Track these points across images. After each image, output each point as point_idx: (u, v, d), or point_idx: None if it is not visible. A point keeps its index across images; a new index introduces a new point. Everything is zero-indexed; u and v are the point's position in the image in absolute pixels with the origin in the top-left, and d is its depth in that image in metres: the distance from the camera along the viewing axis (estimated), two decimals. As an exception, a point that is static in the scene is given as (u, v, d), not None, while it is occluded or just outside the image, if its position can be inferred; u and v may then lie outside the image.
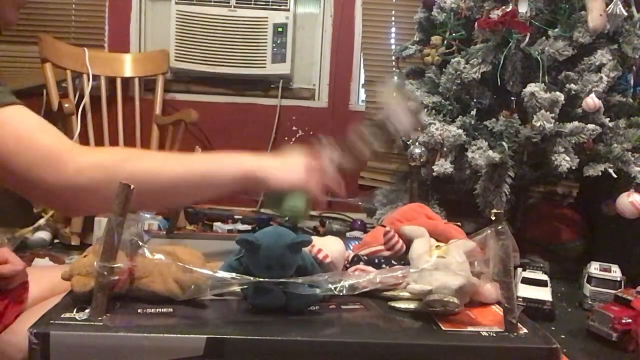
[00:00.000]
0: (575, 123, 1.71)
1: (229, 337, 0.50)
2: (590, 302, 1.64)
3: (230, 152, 0.78)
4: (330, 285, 0.56)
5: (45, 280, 0.85)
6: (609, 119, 1.79)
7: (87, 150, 0.70)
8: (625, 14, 1.77)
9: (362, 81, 2.86)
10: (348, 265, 0.70)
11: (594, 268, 1.70)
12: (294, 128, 2.85)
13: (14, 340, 0.73)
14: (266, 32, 2.65)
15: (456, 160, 1.83)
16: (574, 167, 1.69)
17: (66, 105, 2.09)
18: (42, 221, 2.16)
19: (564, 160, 1.67)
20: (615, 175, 1.70)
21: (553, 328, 1.50)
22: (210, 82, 2.78)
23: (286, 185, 0.77)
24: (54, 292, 0.82)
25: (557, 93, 1.70)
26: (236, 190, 0.77)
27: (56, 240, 2.21)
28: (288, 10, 2.67)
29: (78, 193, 0.66)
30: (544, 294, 1.53)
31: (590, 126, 1.71)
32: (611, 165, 1.71)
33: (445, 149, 1.82)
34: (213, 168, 0.75)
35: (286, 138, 2.83)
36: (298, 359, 0.51)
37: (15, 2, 0.77)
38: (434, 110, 1.92)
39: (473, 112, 1.86)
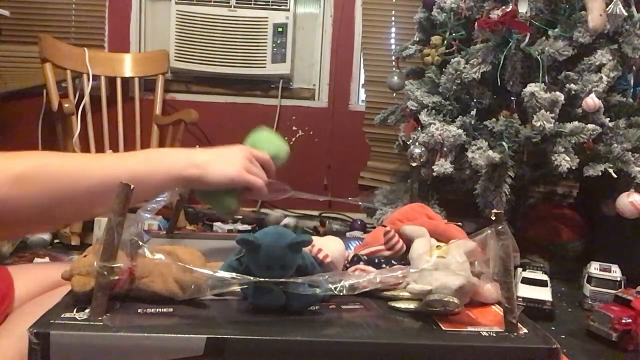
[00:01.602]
0: (575, 123, 1.71)
1: (229, 337, 0.50)
2: (590, 302, 1.64)
3: (161, 149, 0.75)
4: (330, 285, 0.56)
5: (32, 277, 0.84)
6: (609, 119, 1.79)
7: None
8: (625, 14, 1.77)
9: (362, 81, 2.86)
10: (348, 265, 0.70)
11: (594, 268, 1.70)
12: (294, 128, 2.85)
13: (7, 340, 0.73)
14: (266, 32, 2.66)
15: (456, 160, 1.83)
16: (574, 167, 1.69)
17: (66, 105, 2.09)
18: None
19: (564, 160, 1.67)
20: (615, 175, 1.70)
21: (553, 328, 1.50)
22: (210, 82, 2.78)
23: (223, 180, 0.73)
24: (43, 290, 0.81)
25: (557, 93, 1.70)
26: (171, 189, 0.74)
27: (56, 240, 2.21)
28: (288, 10, 2.68)
29: None
30: (544, 294, 1.53)
31: (590, 126, 1.71)
32: (611, 165, 1.71)
33: (445, 149, 1.82)
34: (141, 170, 0.70)
35: (286, 138, 2.81)
36: (298, 359, 0.51)
37: None
38: (434, 110, 1.92)
39: (473, 112, 1.86)
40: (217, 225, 2.50)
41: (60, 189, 0.63)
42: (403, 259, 0.71)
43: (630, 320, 1.37)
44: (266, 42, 2.66)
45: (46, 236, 2.17)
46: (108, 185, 0.62)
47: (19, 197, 0.60)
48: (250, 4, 2.67)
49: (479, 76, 1.84)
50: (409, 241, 0.72)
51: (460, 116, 1.87)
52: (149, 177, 0.70)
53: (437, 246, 0.68)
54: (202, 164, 0.73)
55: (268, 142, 0.88)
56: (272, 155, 0.85)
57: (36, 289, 0.81)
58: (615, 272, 1.67)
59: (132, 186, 0.53)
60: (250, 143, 0.87)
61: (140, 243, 0.59)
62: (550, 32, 1.82)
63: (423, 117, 1.90)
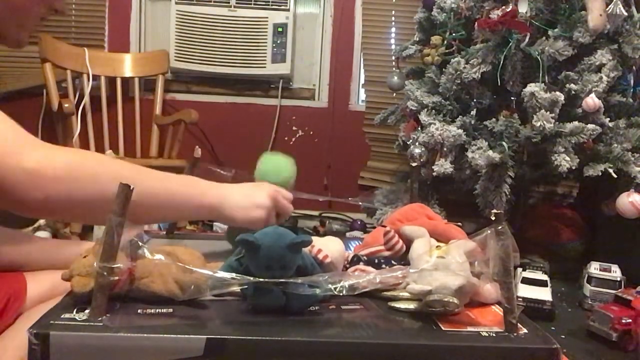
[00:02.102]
0: (575, 123, 1.71)
1: (229, 337, 0.50)
2: (590, 302, 1.64)
3: (196, 179, 0.78)
4: (330, 285, 0.56)
5: (45, 280, 0.85)
6: (609, 119, 1.79)
7: (53, 147, 0.67)
8: (625, 14, 1.77)
9: (362, 81, 2.86)
10: (348, 266, 0.70)
11: (594, 268, 1.70)
12: (294, 128, 2.85)
13: (14, 341, 0.73)
14: (266, 32, 2.66)
15: (456, 160, 1.83)
16: (574, 167, 1.69)
17: (66, 105, 2.09)
18: (42, 221, 2.16)
19: (564, 160, 1.67)
20: (615, 175, 1.70)
21: (553, 328, 1.50)
22: (210, 82, 2.78)
23: (247, 224, 0.78)
24: (54, 293, 0.82)
25: (557, 93, 1.70)
26: (196, 219, 0.78)
27: (56, 240, 2.21)
28: (288, 10, 2.68)
29: (35, 183, 0.62)
30: (544, 294, 1.53)
31: (590, 126, 1.71)
32: (611, 165, 1.71)
33: (445, 149, 1.82)
34: (183, 190, 0.74)
35: (286, 138, 2.83)
36: (298, 359, 0.51)
37: (24, 26, 0.78)
38: (434, 110, 1.92)
39: (473, 112, 1.86)
40: (217, 225, 2.50)
41: (95, 188, 0.65)
42: (403, 259, 0.71)
43: (630, 320, 1.37)
44: (266, 42, 2.66)
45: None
46: (144, 196, 0.66)
47: (66, 186, 0.63)
48: (250, 4, 2.67)
49: (479, 76, 1.84)
50: (409, 241, 0.72)
51: (460, 116, 1.87)
52: (190, 197, 0.74)
53: (437, 246, 0.68)
54: (232, 205, 0.76)
55: (277, 175, 0.90)
56: (282, 184, 0.88)
57: (48, 291, 0.82)
58: (615, 272, 1.67)
59: (132, 187, 0.53)
60: (261, 177, 0.89)
61: (140, 243, 0.59)
62: (550, 32, 1.82)
63: (423, 117, 1.90)
